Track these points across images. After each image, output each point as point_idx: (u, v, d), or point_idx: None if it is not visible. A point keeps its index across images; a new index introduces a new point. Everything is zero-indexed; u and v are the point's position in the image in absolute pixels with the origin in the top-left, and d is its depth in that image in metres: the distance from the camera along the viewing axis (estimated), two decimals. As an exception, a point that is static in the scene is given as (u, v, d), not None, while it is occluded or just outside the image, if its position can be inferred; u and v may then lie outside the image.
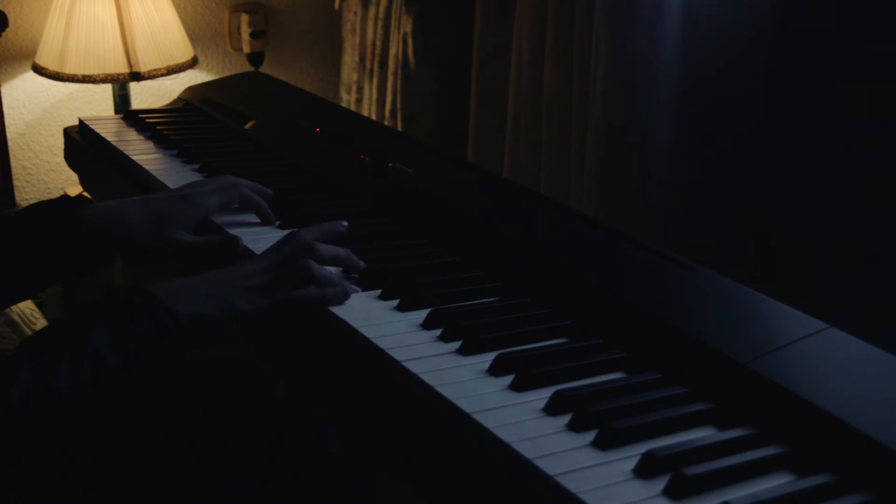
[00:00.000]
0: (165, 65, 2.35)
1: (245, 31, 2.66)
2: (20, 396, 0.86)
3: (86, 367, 0.89)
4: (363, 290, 1.05)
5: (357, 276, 1.08)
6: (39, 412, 0.88)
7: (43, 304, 2.29)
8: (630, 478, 0.75)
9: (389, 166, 1.38)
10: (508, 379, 0.88)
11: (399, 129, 2.47)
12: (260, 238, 1.19)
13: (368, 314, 1.00)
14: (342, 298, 1.02)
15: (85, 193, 2.01)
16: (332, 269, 1.07)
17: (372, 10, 2.53)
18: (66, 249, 1.12)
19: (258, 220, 1.25)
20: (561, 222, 1.23)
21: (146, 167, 1.45)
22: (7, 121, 2.43)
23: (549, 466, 0.75)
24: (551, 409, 0.83)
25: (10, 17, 2.39)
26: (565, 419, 0.81)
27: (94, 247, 1.13)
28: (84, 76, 2.28)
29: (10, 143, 2.42)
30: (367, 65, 2.58)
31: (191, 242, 1.15)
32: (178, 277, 1.01)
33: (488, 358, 0.91)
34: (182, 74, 2.46)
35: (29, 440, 0.90)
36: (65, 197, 1.16)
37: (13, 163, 2.47)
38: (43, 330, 0.95)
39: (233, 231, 1.20)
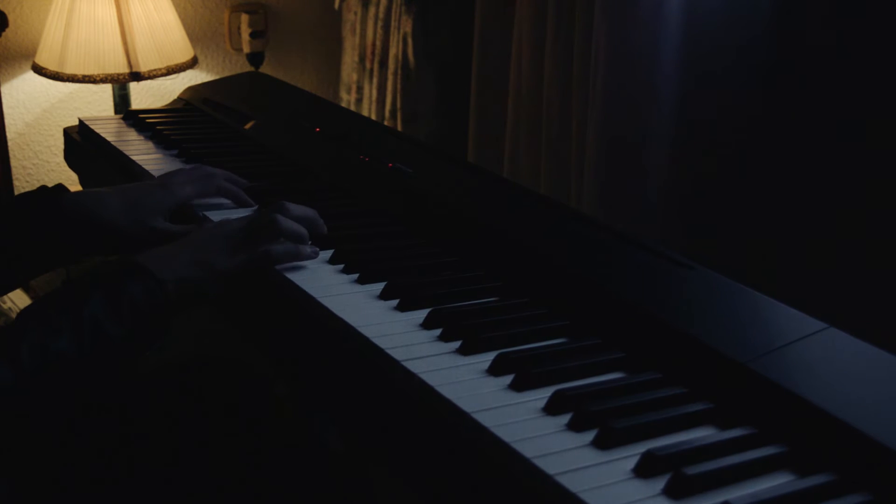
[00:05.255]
0: (165, 65, 2.35)
1: (245, 31, 2.66)
2: (29, 361, 0.89)
3: (86, 335, 0.92)
4: (363, 286, 1.06)
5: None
6: (46, 376, 0.90)
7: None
8: (630, 477, 0.75)
9: (389, 166, 1.38)
10: (508, 378, 0.88)
11: (399, 129, 2.47)
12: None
13: (368, 314, 1.00)
14: (312, 255, 1.10)
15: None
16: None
17: (372, 10, 2.53)
18: (49, 236, 1.14)
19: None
20: (561, 222, 1.23)
21: (146, 167, 1.45)
22: (7, 121, 2.43)
23: (549, 466, 0.75)
24: (551, 408, 0.83)
25: (10, 17, 2.39)
26: (565, 419, 0.81)
27: (75, 233, 1.15)
28: (84, 76, 2.29)
29: (10, 143, 2.42)
30: (367, 65, 2.58)
31: (170, 230, 1.17)
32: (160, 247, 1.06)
33: (488, 358, 0.91)
34: (182, 74, 2.46)
35: (41, 406, 0.92)
36: (43, 187, 1.17)
37: (13, 163, 2.47)
38: (41, 300, 0.96)
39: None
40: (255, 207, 1.28)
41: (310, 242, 1.12)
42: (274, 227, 1.08)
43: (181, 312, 1.02)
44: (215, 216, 1.23)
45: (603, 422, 0.80)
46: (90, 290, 0.95)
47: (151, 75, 2.33)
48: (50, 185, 1.19)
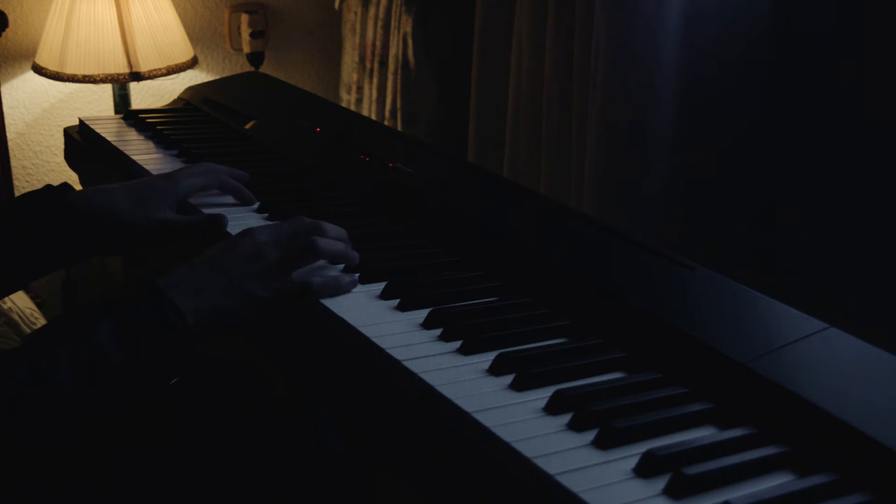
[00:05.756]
0: (165, 65, 2.35)
1: (245, 31, 2.66)
2: (18, 389, 0.86)
3: (87, 364, 0.88)
4: (364, 286, 1.06)
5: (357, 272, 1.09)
6: (37, 406, 0.87)
7: (43, 304, 2.29)
8: (630, 477, 0.75)
9: (389, 166, 1.38)
10: (509, 378, 0.88)
11: (399, 129, 2.47)
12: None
13: (368, 314, 1.00)
14: (351, 286, 1.04)
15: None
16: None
17: (372, 10, 2.53)
18: (56, 235, 1.13)
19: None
20: (561, 222, 1.23)
21: (146, 167, 1.45)
22: (7, 121, 2.43)
23: (550, 466, 0.75)
24: (552, 408, 0.83)
25: (10, 17, 2.39)
26: (565, 418, 0.81)
27: (83, 230, 1.14)
28: (84, 76, 2.29)
29: (10, 143, 2.42)
30: (367, 65, 2.58)
31: (177, 220, 1.17)
32: (183, 265, 0.99)
33: (488, 357, 0.91)
34: (182, 74, 2.46)
35: (27, 435, 0.89)
36: (49, 186, 1.17)
37: (13, 163, 2.47)
38: (48, 324, 0.94)
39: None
40: (259, 204, 1.29)
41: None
42: (312, 252, 1.03)
43: (206, 341, 0.96)
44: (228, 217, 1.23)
45: (603, 422, 0.80)
46: (100, 318, 0.90)
47: (151, 75, 2.33)
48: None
